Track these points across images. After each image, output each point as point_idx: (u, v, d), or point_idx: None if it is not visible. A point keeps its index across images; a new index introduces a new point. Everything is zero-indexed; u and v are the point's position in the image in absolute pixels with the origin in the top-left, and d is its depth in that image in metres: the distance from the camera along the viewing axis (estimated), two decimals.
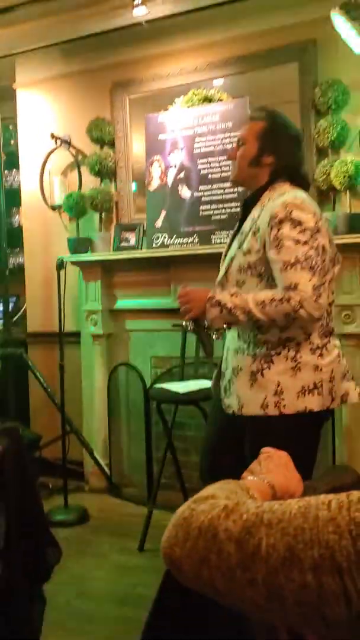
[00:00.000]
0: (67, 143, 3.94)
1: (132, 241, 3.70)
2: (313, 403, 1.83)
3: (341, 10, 2.59)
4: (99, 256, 3.72)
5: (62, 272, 3.45)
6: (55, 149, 3.97)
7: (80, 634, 2.28)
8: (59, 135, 3.94)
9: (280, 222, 1.78)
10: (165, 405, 3.09)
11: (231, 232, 2.13)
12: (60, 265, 3.46)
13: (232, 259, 1.97)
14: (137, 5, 3.25)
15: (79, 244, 3.78)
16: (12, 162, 4.29)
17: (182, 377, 3.27)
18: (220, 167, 3.34)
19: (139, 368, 3.62)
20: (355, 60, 2.95)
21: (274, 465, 0.95)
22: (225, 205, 3.32)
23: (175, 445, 3.24)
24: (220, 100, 3.41)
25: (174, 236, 3.48)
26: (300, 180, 2.00)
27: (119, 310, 3.80)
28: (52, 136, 3.92)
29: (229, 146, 3.32)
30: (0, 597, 1.21)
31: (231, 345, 1.97)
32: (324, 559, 0.60)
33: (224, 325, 1.88)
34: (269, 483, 0.88)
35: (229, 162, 3.29)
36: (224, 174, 3.32)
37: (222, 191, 3.33)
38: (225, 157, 3.31)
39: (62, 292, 3.44)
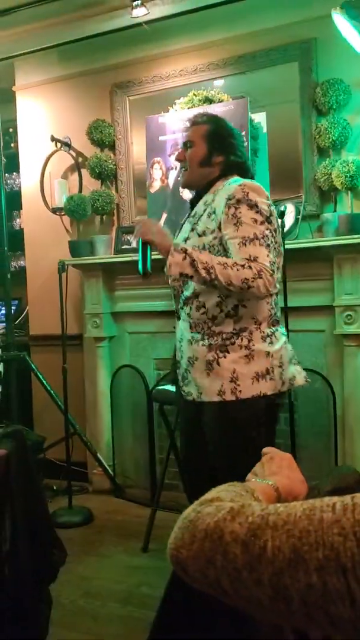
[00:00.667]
0: (68, 145, 3.95)
1: (134, 243, 3.71)
2: (266, 387, 1.94)
3: (342, 9, 2.60)
4: (100, 259, 3.73)
5: (63, 275, 3.47)
6: (55, 151, 3.98)
7: (85, 633, 2.29)
8: (59, 137, 3.95)
9: (238, 201, 1.87)
10: (168, 406, 3.10)
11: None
12: (62, 268, 3.47)
13: (184, 242, 2.03)
14: (136, 6, 3.26)
15: (80, 247, 3.79)
16: (13, 165, 4.30)
17: None
18: None
19: (141, 370, 3.63)
20: (356, 60, 2.96)
21: (277, 467, 0.96)
22: None
23: (178, 446, 3.24)
24: (220, 101, 3.41)
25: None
26: (250, 175, 2.09)
27: (120, 313, 3.81)
28: (52, 138, 3.93)
29: None
30: (7, 598, 1.22)
31: (184, 336, 2.05)
32: (329, 560, 0.61)
33: (176, 276, 1.85)
34: (273, 485, 0.89)
35: None
36: None
37: None
38: None
39: (64, 295, 3.45)
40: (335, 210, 3.17)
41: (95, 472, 3.84)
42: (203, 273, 1.80)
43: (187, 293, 2.02)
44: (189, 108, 3.48)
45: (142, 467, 3.69)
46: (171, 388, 3.03)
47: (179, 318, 2.09)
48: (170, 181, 3.55)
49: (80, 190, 3.92)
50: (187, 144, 2.11)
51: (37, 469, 1.41)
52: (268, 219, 1.88)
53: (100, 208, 3.77)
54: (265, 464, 0.99)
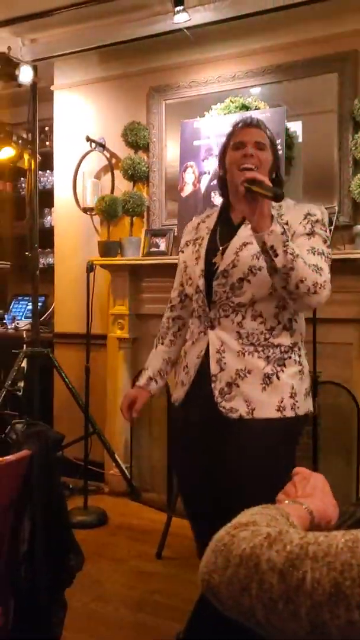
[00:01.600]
0: (102, 146, 3.96)
1: (162, 246, 3.70)
2: (311, 404, 1.94)
3: None
4: (129, 260, 3.73)
5: (91, 275, 3.47)
6: (90, 151, 3.99)
7: (96, 638, 2.28)
8: (94, 138, 3.96)
9: (317, 221, 1.85)
10: None
11: (203, 224, 2.04)
12: (90, 268, 3.48)
13: (239, 248, 1.87)
14: (178, 12, 3.25)
15: (109, 248, 3.80)
16: (47, 163, 4.33)
17: None
18: None
19: None
20: None
21: (311, 489, 0.94)
22: None
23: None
24: (257, 108, 3.40)
25: None
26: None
27: (146, 315, 3.81)
28: (88, 139, 3.94)
29: None
30: (23, 601, 1.22)
31: (227, 348, 1.85)
32: None
33: (266, 247, 1.66)
34: (307, 509, 0.86)
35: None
36: None
37: None
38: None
39: (90, 295, 3.46)
40: None
41: (112, 473, 3.83)
42: (289, 258, 1.66)
43: (240, 300, 1.84)
44: (225, 114, 3.47)
45: (159, 472, 3.67)
46: None
47: (212, 327, 1.88)
48: (202, 186, 3.54)
49: (112, 191, 3.93)
50: (259, 145, 1.88)
51: (58, 472, 1.41)
52: (330, 247, 1.87)
53: (131, 210, 3.77)
54: (298, 485, 0.97)
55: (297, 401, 1.83)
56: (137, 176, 3.79)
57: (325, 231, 1.86)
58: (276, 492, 1.54)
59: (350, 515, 0.95)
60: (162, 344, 2.15)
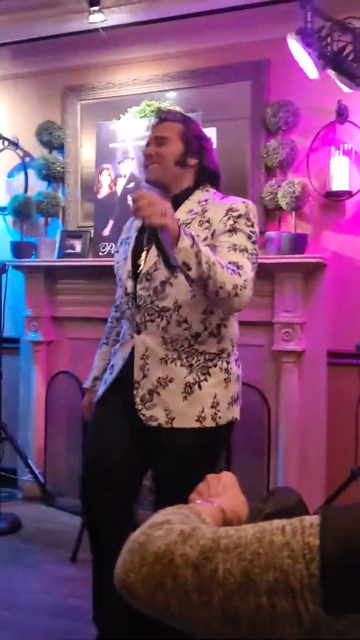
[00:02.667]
0: (15, 144, 3.88)
1: (78, 248, 3.67)
2: (236, 412, 1.89)
3: (297, 35, 2.67)
4: (43, 261, 3.67)
5: (3, 276, 3.39)
6: (2, 149, 3.90)
7: None
8: (6, 136, 3.87)
9: (239, 216, 1.79)
10: None
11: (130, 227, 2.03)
12: (3, 269, 3.39)
13: None
14: (93, 12, 3.24)
15: (22, 248, 3.72)
16: None
17: None
18: None
19: (79, 378, 3.58)
20: (307, 85, 3.05)
21: (222, 487, 0.97)
22: None
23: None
24: None
25: None
26: (219, 186, 1.99)
27: (61, 318, 3.76)
28: (0, 136, 3.85)
29: None
30: None
31: (151, 353, 1.81)
32: (278, 582, 0.62)
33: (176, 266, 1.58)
34: (219, 507, 0.89)
35: None
36: None
37: None
38: None
39: (3, 297, 3.37)
40: (279, 229, 3.25)
41: (26, 479, 3.76)
42: (204, 267, 1.58)
43: (164, 304, 1.79)
44: (140, 117, 3.49)
45: (75, 476, 3.63)
46: None
47: (139, 332, 1.83)
48: (119, 189, 3.54)
49: (25, 191, 3.85)
50: (160, 140, 1.90)
51: None
52: (255, 243, 1.81)
53: (45, 210, 3.72)
54: (210, 483, 1.00)
55: (218, 411, 1.81)
56: (52, 176, 3.74)
57: (251, 226, 1.79)
58: (182, 498, 1.61)
59: (259, 512, 0.99)
60: (107, 344, 2.14)
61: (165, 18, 3.34)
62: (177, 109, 3.45)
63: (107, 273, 3.56)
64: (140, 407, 1.81)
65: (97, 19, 3.28)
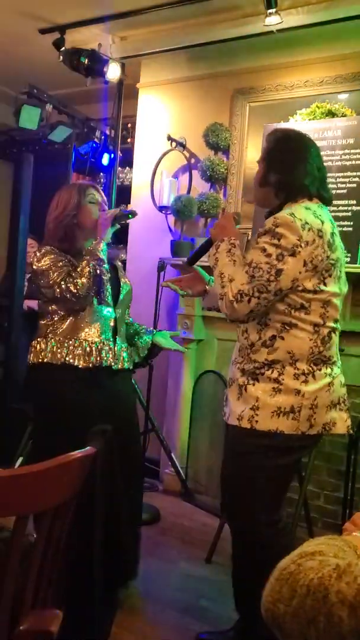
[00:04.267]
0: (182, 146, 3.97)
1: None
2: (285, 425, 1.87)
3: None
4: (201, 261, 3.71)
5: (161, 273, 3.48)
6: (170, 150, 4.01)
7: (141, 637, 2.28)
8: (175, 137, 3.97)
9: (265, 232, 1.81)
10: None
11: None
12: (162, 267, 3.49)
13: None
14: (270, 14, 3.21)
15: (181, 247, 3.80)
16: (127, 159, 4.37)
17: None
18: (337, 183, 3.24)
19: (225, 378, 3.59)
20: None
21: None
22: (338, 223, 3.19)
23: None
24: (344, 115, 3.31)
25: None
26: (308, 195, 1.94)
27: (212, 317, 3.79)
28: (169, 138, 3.96)
29: (348, 163, 3.23)
30: (78, 599, 1.22)
31: (233, 357, 2.04)
32: None
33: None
34: None
35: (346, 179, 3.21)
36: (339, 191, 3.23)
37: (335, 208, 3.23)
38: (342, 174, 3.23)
39: (159, 293, 3.47)
40: None
41: (167, 472, 3.84)
42: (215, 272, 1.90)
43: None
44: (310, 120, 3.40)
45: (215, 476, 3.65)
46: None
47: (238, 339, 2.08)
48: None
49: (189, 191, 3.93)
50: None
51: (119, 472, 1.41)
52: (283, 255, 1.77)
53: (206, 211, 3.76)
54: None
55: (257, 415, 1.87)
56: (215, 177, 3.77)
57: (272, 238, 1.77)
58: (239, 500, 1.83)
59: None
60: None
61: (343, 18, 3.21)
62: (349, 111, 3.32)
63: None
64: (224, 404, 2.06)
65: (274, 21, 3.23)
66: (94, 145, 4.31)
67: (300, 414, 1.86)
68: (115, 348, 2.36)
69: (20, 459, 3.59)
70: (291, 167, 1.94)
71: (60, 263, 2.26)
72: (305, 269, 1.80)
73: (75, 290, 2.20)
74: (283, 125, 3.49)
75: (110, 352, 2.33)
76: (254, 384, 1.90)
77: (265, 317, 1.88)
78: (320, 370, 1.90)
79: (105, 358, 2.31)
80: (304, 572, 0.65)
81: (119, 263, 2.67)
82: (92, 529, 1.24)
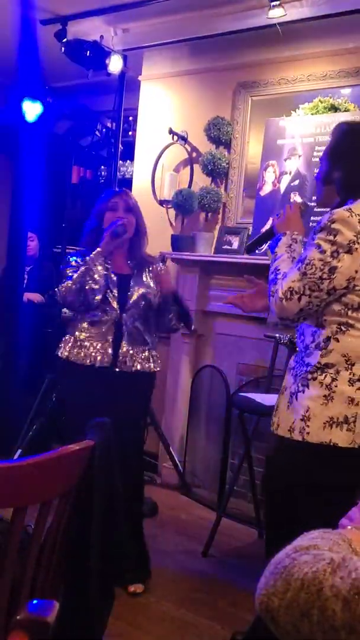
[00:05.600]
0: (184, 139, 3.96)
1: (235, 245, 3.67)
2: (339, 438, 1.68)
3: None
4: (200, 256, 3.71)
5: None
6: (171, 144, 4.00)
7: (136, 628, 2.29)
8: (176, 130, 3.96)
9: (321, 229, 1.70)
10: (248, 414, 3.05)
11: None
12: (162, 260, 3.48)
13: None
14: (273, 7, 3.19)
15: (181, 242, 3.79)
16: (129, 153, 4.36)
17: (268, 390, 3.21)
18: None
19: (224, 373, 3.59)
20: None
21: None
22: None
23: (253, 456, 3.19)
24: (347, 110, 3.30)
25: None
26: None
27: (211, 312, 3.79)
28: (170, 131, 3.95)
29: None
30: (75, 592, 1.23)
31: (288, 366, 1.91)
32: None
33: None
34: None
35: None
36: None
37: None
38: None
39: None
40: None
41: (165, 466, 3.85)
42: (271, 267, 1.82)
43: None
44: (312, 114, 3.39)
45: (212, 470, 3.66)
46: (253, 396, 2.99)
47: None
48: (282, 186, 3.48)
49: (190, 185, 3.92)
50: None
51: (117, 465, 1.41)
52: (338, 252, 1.67)
53: (207, 205, 3.76)
54: None
55: (308, 426, 1.71)
56: (216, 172, 3.77)
57: (327, 234, 1.67)
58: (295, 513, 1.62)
59: None
60: None
61: (347, 12, 3.20)
62: (352, 106, 3.31)
63: (261, 272, 3.55)
64: (273, 412, 1.89)
65: (277, 14, 3.22)
66: (95, 138, 4.30)
67: (355, 425, 1.69)
68: (110, 350, 2.50)
69: (19, 452, 3.60)
70: (353, 163, 1.84)
71: (82, 267, 2.49)
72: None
73: (59, 292, 2.50)
74: (285, 119, 3.49)
75: (99, 352, 2.48)
76: (304, 391, 1.75)
77: (320, 318, 1.76)
78: None
79: (93, 356, 2.49)
80: (298, 566, 0.65)
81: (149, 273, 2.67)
82: (89, 520, 1.24)
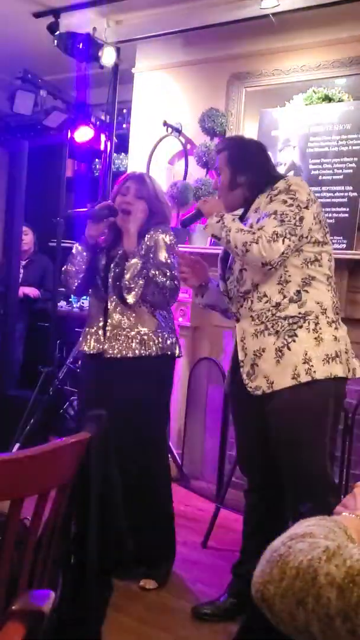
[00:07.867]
0: (178, 131, 3.94)
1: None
2: (337, 369, 1.95)
3: None
4: (196, 248, 3.71)
5: None
6: (165, 136, 3.98)
7: (136, 620, 2.30)
8: (170, 122, 3.94)
9: (279, 192, 1.96)
10: None
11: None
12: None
13: None
14: None
15: (177, 234, 3.78)
16: (123, 145, 4.35)
17: None
18: (333, 169, 3.24)
19: (221, 365, 3.60)
20: None
21: None
22: (334, 209, 3.21)
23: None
24: (341, 100, 3.30)
25: None
26: (278, 177, 2.10)
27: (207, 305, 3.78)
28: (165, 123, 3.93)
29: (344, 148, 3.22)
30: (72, 583, 1.23)
31: (246, 332, 2.05)
32: None
33: (210, 236, 2.09)
34: None
35: (342, 165, 3.20)
36: (335, 177, 3.22)
37: (331, 194, 3.22)
38: (339, 160, 3.21)
39: None
40: None
41: None
42: (223, 234, 1.95)
43: (245, 288, 2.05)
44: (307, 105, 3.38)
45: (211, 461, 3.67)
46: None
47: (238, 320, 2.11)
48: None
49: (185, 177, 3.91)
50: (218, 173, 2.19)
51: (114, 457, 1.41)
52: (299, 207, 1.92)
53: (202, 197, 3.74)
54: (357, 495, 0.94)
55: (312, 365, 1.92)
56: (211, 163, 3.76)
57: (292, 193, 1.94)
58: (302, 458, 1.89)
59: None
60: None
61: (340, 1, 3.18)
62: (346, 96, 3.31)
63: None
64: (247, 381, 2.04)
65: (270, 4, 3.21)
66: (89, 131, 4.28)
67: (342, 358, 1.97)
68: (101, 334, 2.50)
69: (17, 445, 3.60)
70: (254, 165, 2.12)
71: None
72: (314, 222, 1.96)
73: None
74: (279, 110, 3.48)
75: (91, 339, 2.52)
76: (294, 340, 1.95)
77: (284, 274, 1.97)
78: (339, 318, 2.06)
79: (88, 344, 2.53)
80: (293, 554, 0.66)
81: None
82: (87, 512, 1.25)
